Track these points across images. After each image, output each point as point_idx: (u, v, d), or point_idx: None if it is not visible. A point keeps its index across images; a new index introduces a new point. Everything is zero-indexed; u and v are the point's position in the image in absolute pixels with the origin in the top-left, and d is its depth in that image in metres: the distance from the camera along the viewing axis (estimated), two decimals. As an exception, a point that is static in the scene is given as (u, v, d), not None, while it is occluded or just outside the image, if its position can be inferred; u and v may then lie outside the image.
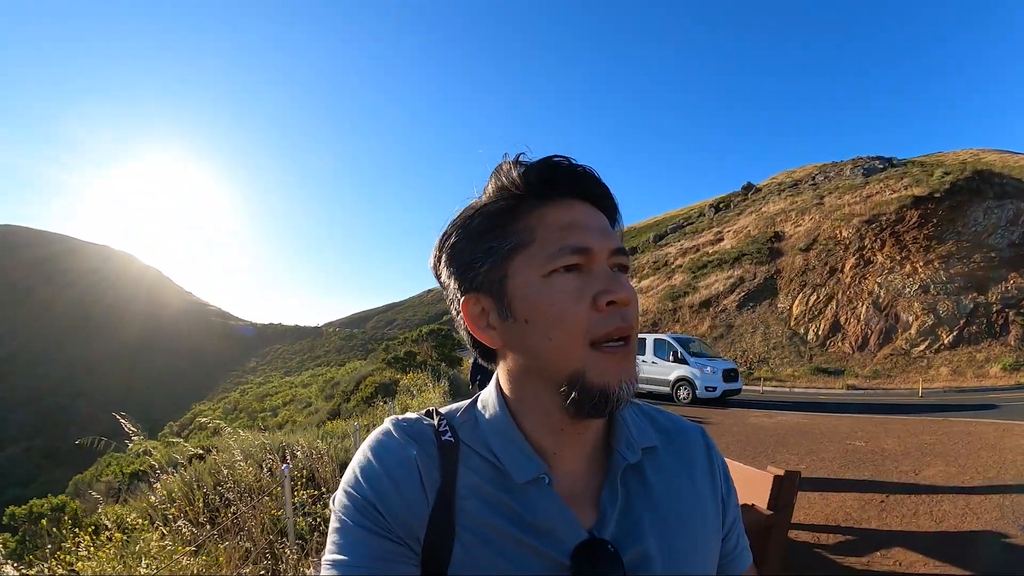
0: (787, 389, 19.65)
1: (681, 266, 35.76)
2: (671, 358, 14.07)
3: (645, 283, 36.54)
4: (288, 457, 4.46)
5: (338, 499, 0.59)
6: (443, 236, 0.63)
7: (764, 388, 19.05)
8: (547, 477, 0.59)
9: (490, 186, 0.62)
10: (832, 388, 19.79)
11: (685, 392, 13.43)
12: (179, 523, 3.28)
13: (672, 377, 13.77)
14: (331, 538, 0.58)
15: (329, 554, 0.57)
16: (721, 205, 44.39)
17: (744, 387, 19.33)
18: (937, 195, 30.71)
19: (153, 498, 3.51)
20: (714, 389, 13.06)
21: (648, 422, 0.70)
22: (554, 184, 0.60)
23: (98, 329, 73.23)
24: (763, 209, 37.83)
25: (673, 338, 14.62)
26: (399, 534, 0.56)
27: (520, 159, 0.61)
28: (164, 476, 3.91)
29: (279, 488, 3.44)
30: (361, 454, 0.61)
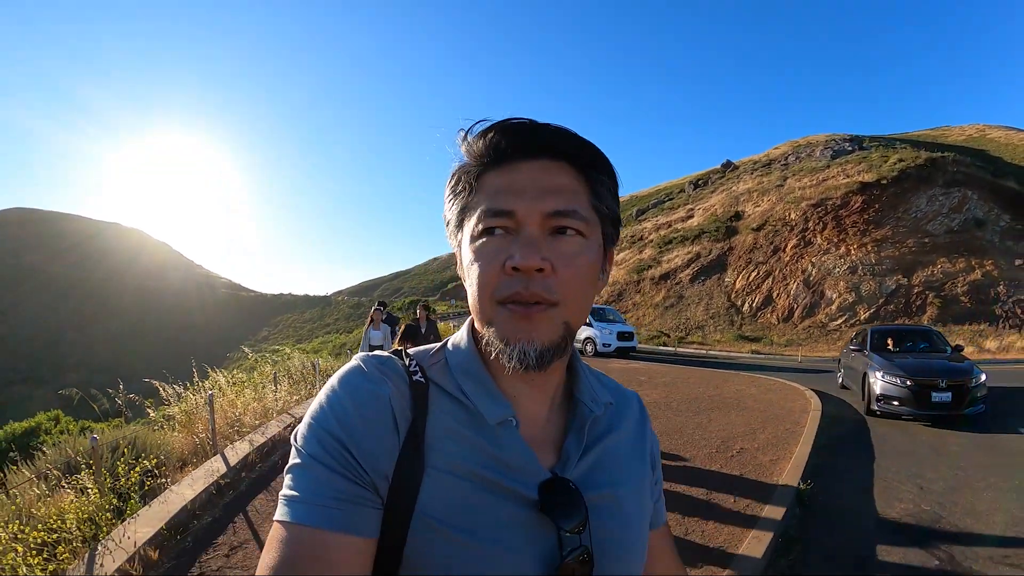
0: (704, 351, 25.39)
1: (652, 241, 41.13)
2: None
3: (620, 256, 41.99)
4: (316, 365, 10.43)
5: (301, 432, 0.61)
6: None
7: (678, 348, 24.88)
8: (514, 419, 0.65)
9: None
10: (740, 352, 25.37)
11: (590, 347, 19.38)
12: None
13: (583, 337, 19.68)
14: (289, 473, 0.60)
15: (286, 489, 0.59)
16: (700, 182, 49.44)
17: (663, 348, 25.42)
18: (884, 182, 35.55)
19: (267, 370, 9.47)
20: (609, 345, 19.05)
21: (602, 384, 0.80)
22: (499, 148, 0.64)
23: (113, 307, 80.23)
24: (733, 188, 42.71)
25: (586, 308, 20.97)
26: (365, 474, 0.58)
27: (472, 127, 0.67)
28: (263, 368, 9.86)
29: (312, 370, 9.44)
30: (330, 388, 0.63)
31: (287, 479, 0.60)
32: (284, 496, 0.59)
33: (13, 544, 3.35)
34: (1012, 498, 5.30)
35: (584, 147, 0.66)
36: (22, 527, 3.52)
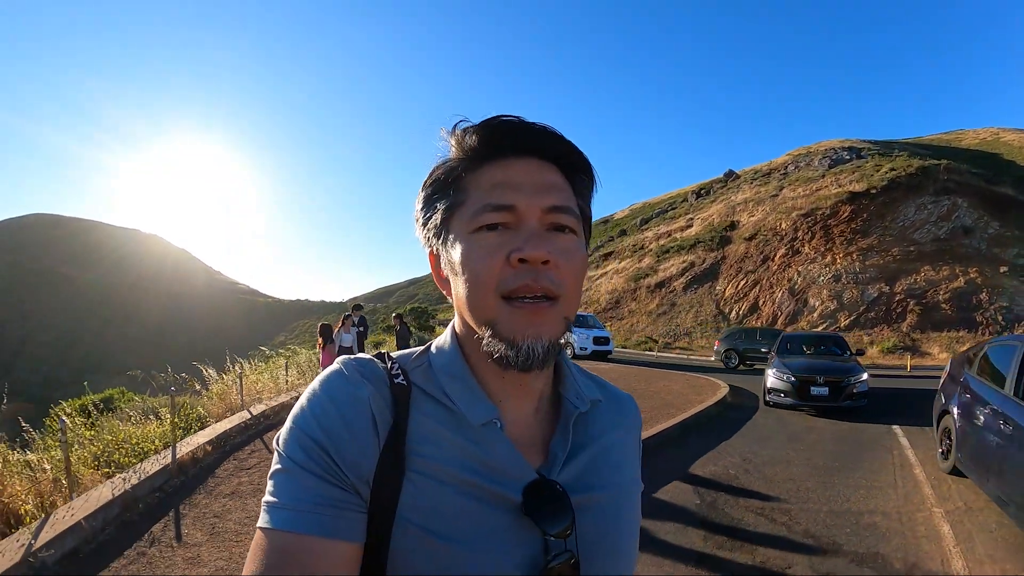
0: (684, 356, 27.81)
1: (652, 250, 43.52)
2: (564, 328, 23.46)
3: (622, 264, 44.53)
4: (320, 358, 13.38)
5: (283, 437, 0.62)
6: (417, 197, 0.72)
7: (658, 353, 27.35)
8: (499, 421, 0.65)
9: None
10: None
11: (569, 350, 22.12)
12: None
13: (561, 341, 22.64)
14: (272, 479, 0.60)
15: (268, 496, 0.59)
16: (702, 191, 51.75)
17: (647, 352, 27.93)
18: (873, 191, 37.32)
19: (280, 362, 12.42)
20: (585, 349, 21.68)
21: (593, 382, 0.81)
22: (492, 144, 0.66)
23: (132, 311, 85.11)
24: (732, 198, 44.86)
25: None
26: (347, 478, 0.59)
27: (460, 124, 0.68)
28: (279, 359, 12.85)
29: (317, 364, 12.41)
30: (311, 392, 0.63)
31: (269, 485, 0.60)
32: (267, 503, 0.59)
33: (129, 437, 6.28)
34: (817, 475, 5.93)
35: (570, 149, 0.69)
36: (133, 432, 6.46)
